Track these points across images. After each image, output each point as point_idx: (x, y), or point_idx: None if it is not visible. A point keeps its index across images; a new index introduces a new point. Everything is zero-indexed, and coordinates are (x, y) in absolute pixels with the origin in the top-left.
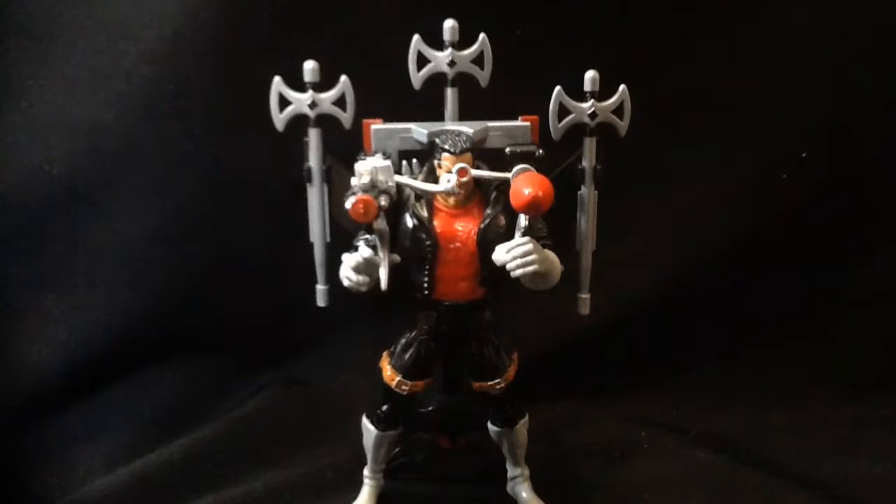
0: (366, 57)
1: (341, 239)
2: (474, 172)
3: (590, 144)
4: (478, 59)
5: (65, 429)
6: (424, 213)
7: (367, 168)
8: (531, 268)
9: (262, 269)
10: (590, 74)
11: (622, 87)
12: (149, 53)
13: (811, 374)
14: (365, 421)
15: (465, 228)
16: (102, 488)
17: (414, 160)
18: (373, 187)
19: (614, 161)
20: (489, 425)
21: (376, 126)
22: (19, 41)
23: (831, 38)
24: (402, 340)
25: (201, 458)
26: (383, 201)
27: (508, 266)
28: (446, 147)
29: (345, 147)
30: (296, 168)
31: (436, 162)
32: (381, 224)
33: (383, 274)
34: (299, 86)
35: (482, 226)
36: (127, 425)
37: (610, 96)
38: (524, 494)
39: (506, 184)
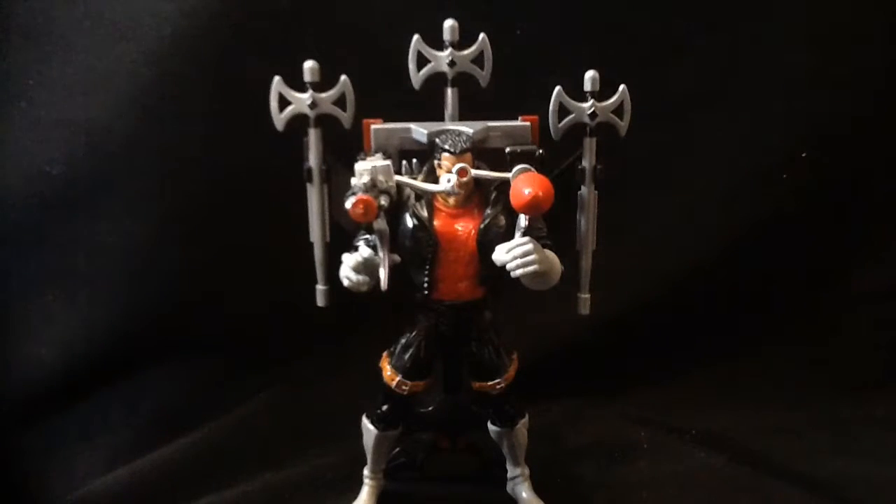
0: (366, 57)
1: (341, 239)
2: (474, 172)
3: (590, 144)
4: (478, 59)
5: (65, 429)
6: (424, 213)
7: (367, 168)
8: (531, 268)
9: (262, 269)
10: (590, 74)
11: (622, 87)
12: (149, 53)
13: (811, 374)
14: (365, 421)
15: (465, 228)
16: (102, 488)
17: (414, 160)
18: (373, 187)
19: (614, 161)
20: (489, 425)
21: (376, 126)
22: (19, 41)
23: (831, 37)
24: (402, 340)
25: (201, 458)
26: (383, 201)
27: (508, 266)
28: (446, 147)
29: (345, 147)
30: (296, 168)
31: (436, 162)
32: (381, 224)
33: (383, 274)
34: (299, 86)
35: (482, 226)
36: (127, 425)
37: (610, 96)
38: (524, 494)
39: (506, 184)
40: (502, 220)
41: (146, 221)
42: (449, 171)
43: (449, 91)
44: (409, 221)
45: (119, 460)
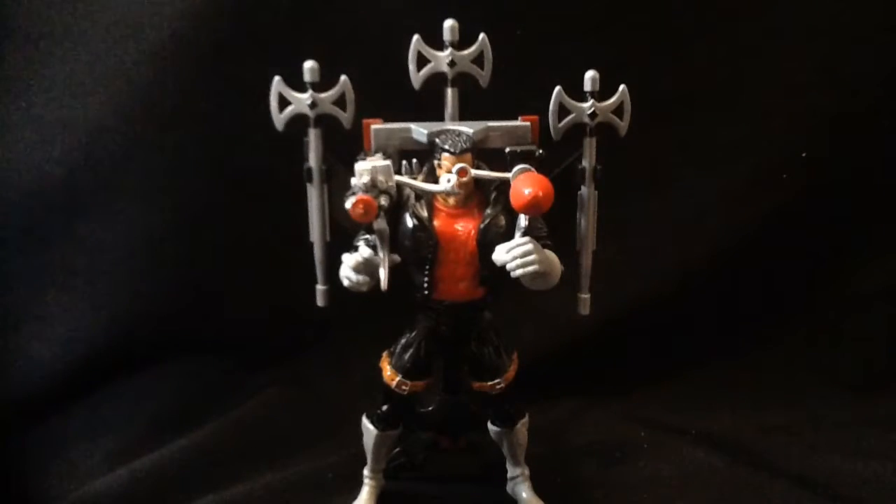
0: (366, 57)
1: (341, 239)
2: (474, 172)
3: (590, 144)
4: (478, 59)
5: (65, 429)
6: (424, 213)
7: (367, 168)
8: (531, 268)
9: (263, 269)
10: (590, 74)
11: (622, 87)
12: (149, 53)
13: (811, 373)
14: (365, 421)
15: (465, 228)
16: (102, 488)
17: (414, 160)
18: (373, 187)
19: (614, 161)
20: (489, 425)
21: (376, 126)
22: (20, 42)
23: (831, 38)
24: (402, 340)
25: (201, 458)
26: (383, 201)
27: (508, 266)
28: (446, 147)
29: (345, 147)
30: (296, 168)
31: (436, 162)
32: (381, 224)
33: (383, 274)
34: (299, 86)
35: (482, 226)
36: (127, 425)
37: (610, 96)
38: (524, 494)
39: (506, 184)
40: (502, 220)
41: (146, 221)
42: (449, 171)
43: (449, 91)
44: (409, 221)
45: (119, 460)
